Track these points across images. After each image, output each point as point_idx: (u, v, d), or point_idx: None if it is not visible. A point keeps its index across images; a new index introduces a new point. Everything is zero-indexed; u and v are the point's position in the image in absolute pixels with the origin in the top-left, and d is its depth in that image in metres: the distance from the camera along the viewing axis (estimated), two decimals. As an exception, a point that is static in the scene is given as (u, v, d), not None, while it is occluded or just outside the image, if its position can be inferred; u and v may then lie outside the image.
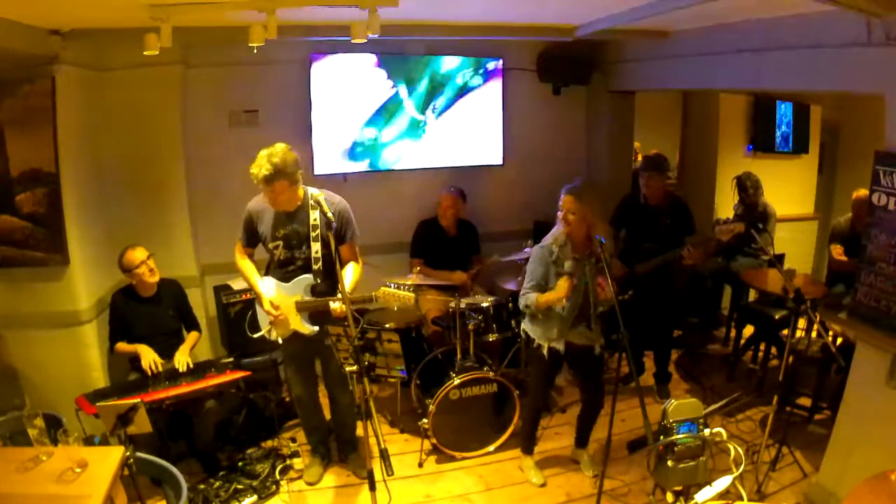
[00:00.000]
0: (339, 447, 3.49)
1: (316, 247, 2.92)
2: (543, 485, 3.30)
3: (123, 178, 3.84)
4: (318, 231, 2.89)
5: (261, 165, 2.72)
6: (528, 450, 3.44)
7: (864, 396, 2.83)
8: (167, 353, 3.37)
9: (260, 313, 3.12)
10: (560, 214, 2.95)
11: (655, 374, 4.25)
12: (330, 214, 2.59)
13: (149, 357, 3.26)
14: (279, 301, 2.97)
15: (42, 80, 3.17)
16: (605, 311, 3.01)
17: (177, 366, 3.29)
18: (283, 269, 3.03)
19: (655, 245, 3.86)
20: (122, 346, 3.38)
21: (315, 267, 2.94)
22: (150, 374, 3.21)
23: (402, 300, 2.78)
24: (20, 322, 3.39)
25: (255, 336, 3.11)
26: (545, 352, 3.07)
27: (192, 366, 3.33)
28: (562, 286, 2.90)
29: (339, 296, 2.71)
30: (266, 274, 3.10)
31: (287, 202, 2.90)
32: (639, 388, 2.56)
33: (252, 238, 3.07)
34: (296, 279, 2.98)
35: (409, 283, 3.69)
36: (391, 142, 4.59)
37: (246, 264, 3.08)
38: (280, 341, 3.08)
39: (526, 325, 3.18)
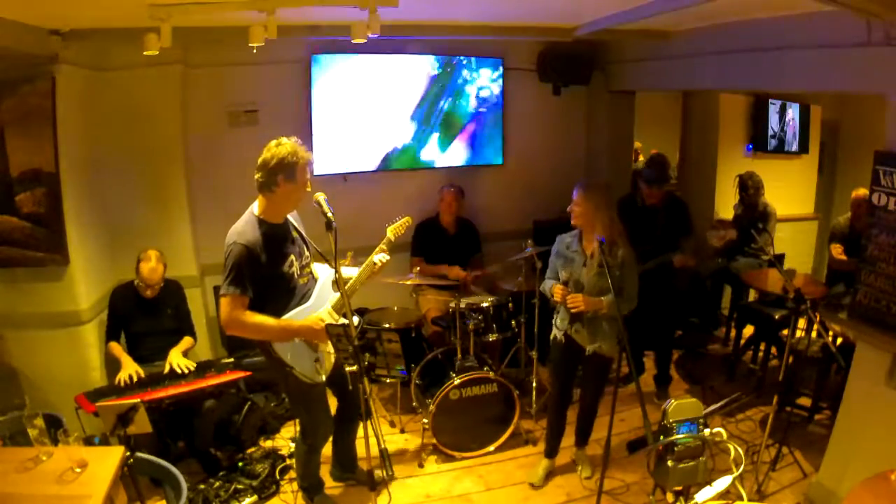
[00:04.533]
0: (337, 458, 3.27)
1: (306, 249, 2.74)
2: (535, 486, 3.28)
3: (123, 179, 3.84)
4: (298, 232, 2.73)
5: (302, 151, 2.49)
6: (546, 452, 3.37)
7: (864, 396, 2.83)
8: (164, 351, 3.37)
9: (302, 357, 2.66)
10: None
11: (656, 376, 4.25)
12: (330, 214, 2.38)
13: (128, 370, 3.20)
14: (318, 318, 2.64)
15: (42, 80, 3.17)
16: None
17: (175, 368, 3.27)
18: (296, 291, 2.66)
19: (653, 246, 3.86)
20: (114, 346, 3.37)
21: (309, 270, 2.77)
22: (119, 384, 3.15)
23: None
24: (20, 322, 3.39)
25: (319, 382, 2.72)
26: (552, 339, 3.15)
27: (189, 368, 3.30)
28: (555, 291, 3.00)
29: (380, 249, 2.75)
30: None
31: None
32: (639, 388, 2.56)
33: (257, 276, 2.48)
34: (318, 285, 2.72)
35: (409, 282, 3.74)
36: (390, 141, 4.59)
37: (260, 317, 2.49)
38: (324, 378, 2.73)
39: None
